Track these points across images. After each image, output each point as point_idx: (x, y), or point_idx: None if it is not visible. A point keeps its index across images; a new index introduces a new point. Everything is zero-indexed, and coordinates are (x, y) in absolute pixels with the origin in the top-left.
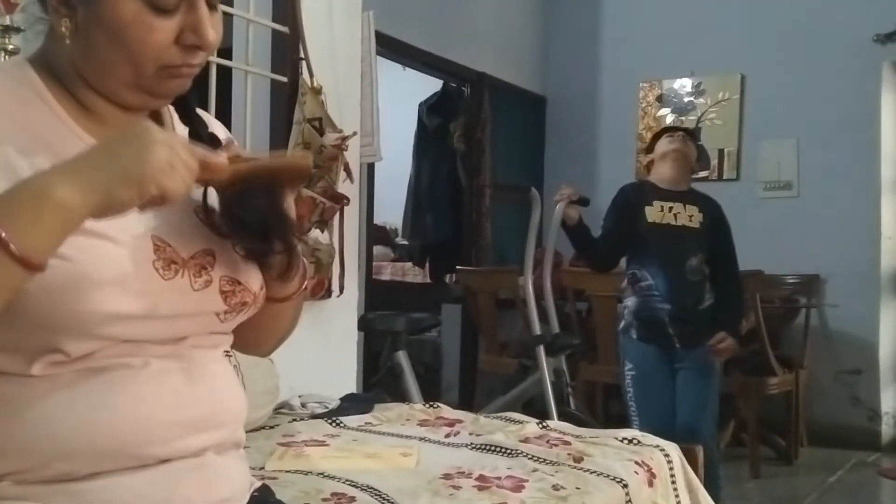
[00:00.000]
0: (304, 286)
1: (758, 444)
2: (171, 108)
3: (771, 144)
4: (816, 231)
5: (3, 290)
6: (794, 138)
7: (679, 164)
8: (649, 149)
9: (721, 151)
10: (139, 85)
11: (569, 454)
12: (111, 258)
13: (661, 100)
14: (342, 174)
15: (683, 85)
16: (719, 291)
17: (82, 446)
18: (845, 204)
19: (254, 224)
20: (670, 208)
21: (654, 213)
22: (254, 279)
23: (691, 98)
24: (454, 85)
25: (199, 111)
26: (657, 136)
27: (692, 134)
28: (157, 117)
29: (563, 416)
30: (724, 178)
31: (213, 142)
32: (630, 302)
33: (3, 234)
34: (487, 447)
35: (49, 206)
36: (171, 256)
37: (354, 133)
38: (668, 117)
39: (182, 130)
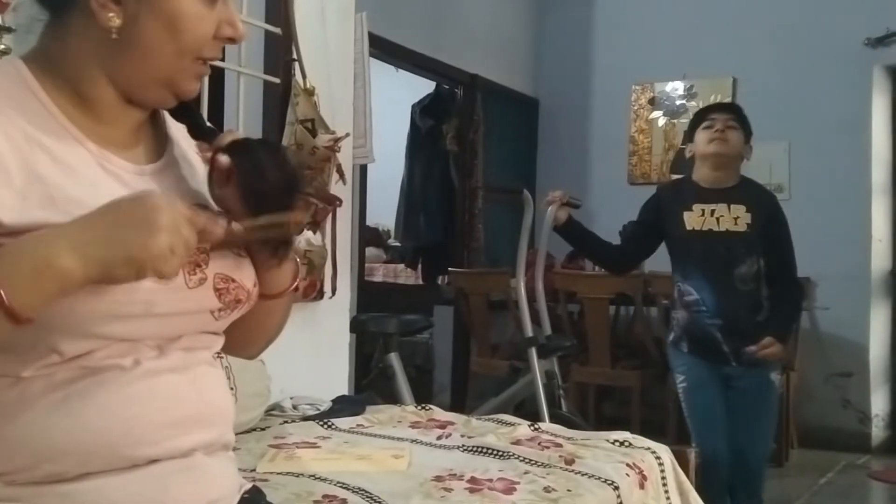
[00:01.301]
0: (296, 282)
1: None
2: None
3: (762, 147)
4: (807, 234)
5: None
6: (786, 141)
7: (719, 166)
8: (690, 135)
9: None
10: (171, 80)
11: (560, 456)
12: None
13: (653, 102)
14: (334, 175)
15: (675, 88)
16: (773, 294)
17: (72, 447)
18: (836, 207)
19: (275, 186)
20: (712, 211)
21: (694, 218)
22: (247, 276)
23: (683, 101)
24: (447, 87)
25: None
26: (696, 121)
27: (738, 112)
28: (154, 116)
29: (555, 419)
30: None
31: (212, 134)
32: (680, 315)
33: (3, 293)
34: (479, 449)
35: (49, 274)
36: None
37: (347, 134)
38: (661, 120)
39: (179, 127)
